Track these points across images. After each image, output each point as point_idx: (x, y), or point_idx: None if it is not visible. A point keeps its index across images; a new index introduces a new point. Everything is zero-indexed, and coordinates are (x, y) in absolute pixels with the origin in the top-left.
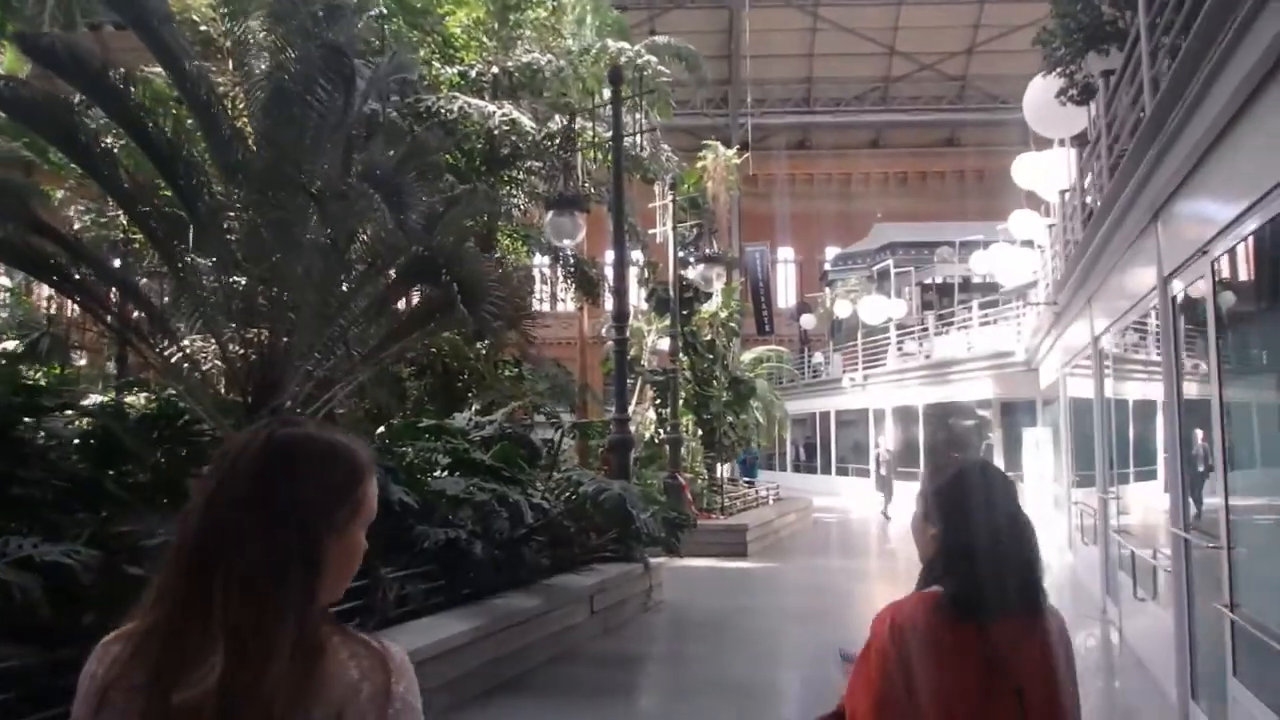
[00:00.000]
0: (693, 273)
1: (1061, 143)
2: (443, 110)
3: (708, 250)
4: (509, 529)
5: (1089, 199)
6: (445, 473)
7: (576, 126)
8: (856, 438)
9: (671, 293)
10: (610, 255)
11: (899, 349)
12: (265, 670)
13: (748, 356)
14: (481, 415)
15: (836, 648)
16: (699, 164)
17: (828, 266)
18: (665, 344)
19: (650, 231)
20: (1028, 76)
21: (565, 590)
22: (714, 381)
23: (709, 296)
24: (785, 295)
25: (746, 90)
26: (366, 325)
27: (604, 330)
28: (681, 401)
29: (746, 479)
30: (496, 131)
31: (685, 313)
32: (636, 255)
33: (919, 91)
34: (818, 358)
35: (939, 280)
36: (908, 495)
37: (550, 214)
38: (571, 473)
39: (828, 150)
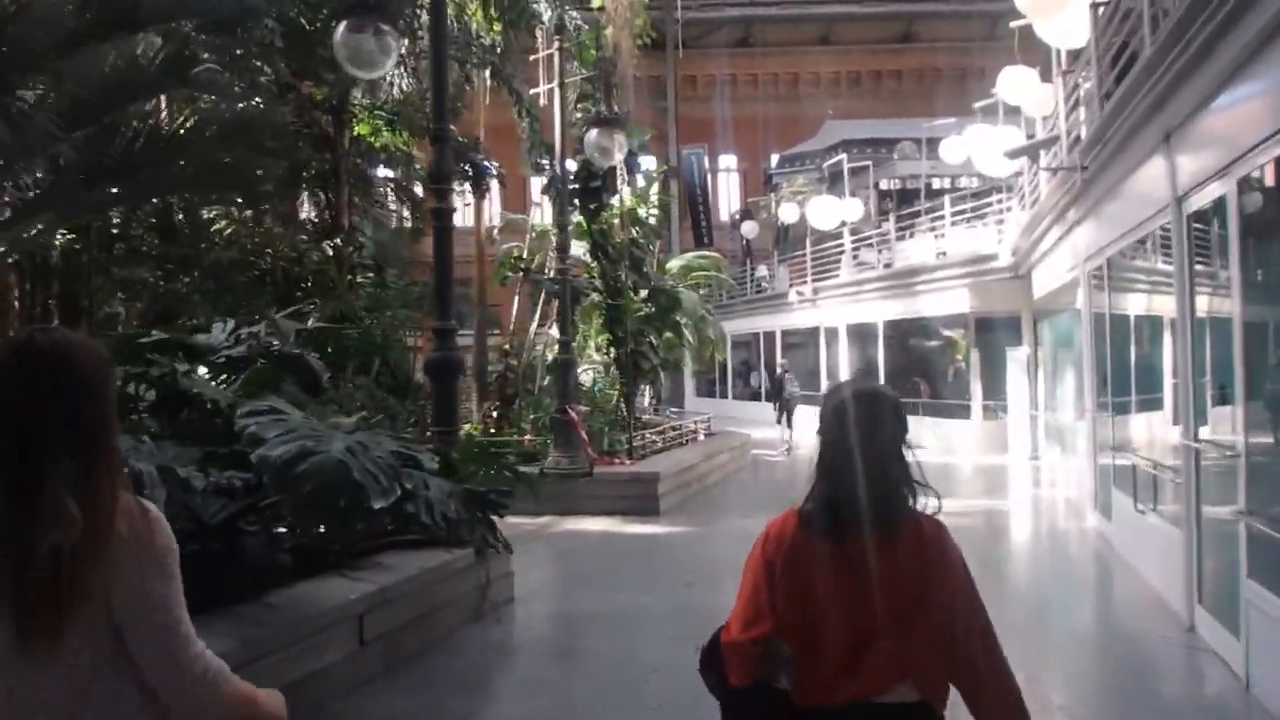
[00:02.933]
0: (587, 143)
1: None
2: None
3: (604, 111)
4: (207, 510)
5: None
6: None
7: None
8: (807, 360)
9: (559, 170)
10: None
11: (854, 258)
12: (105, 527)
13: (675, 264)
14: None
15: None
16: (595, 2)
17: (772, 169)
18: (577, 248)
19: (533, 92)
20: None
21: (307, 610)
22: (629, 292)
23: (611, 182)
24: (728, 208)
25: None
26: None
27: (495, 230)
28: (598, 321)
29: None
30: None
31: (593, 206)
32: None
33: None
34: (761, 271)
35: (899, 185)
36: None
37: (341, 28)
38: (252, 421)
39: (773, 48)
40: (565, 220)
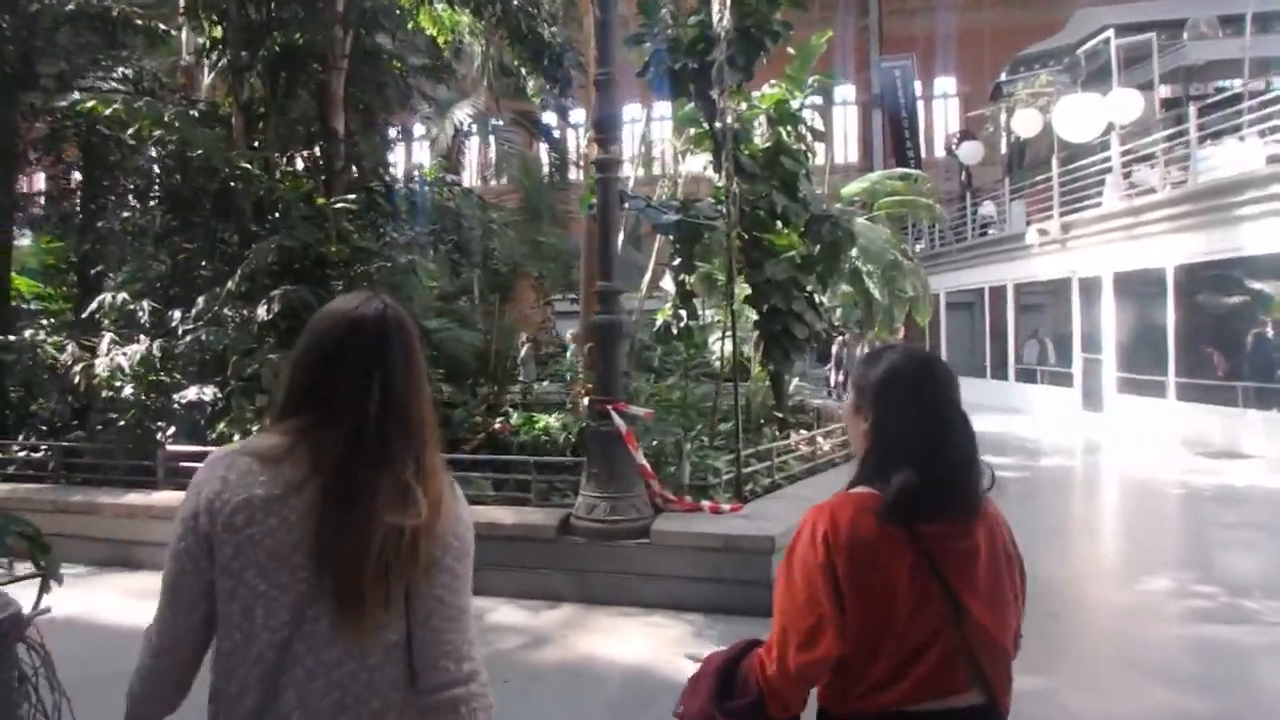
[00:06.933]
0: None
1: None
2: None
3: None
4: None
5: None
6: None
7: None
8: (1055, 323)
9: None
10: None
11: (1125, 179)
12: (438, 506)
13: (855, 187)
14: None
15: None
16: None
17: (1003, 78)
18: (701, 164)
19: None
20: None
21: None
22: (777, 221)
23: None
24: (943, 142)
25: None
26: None
27: (585, 139)
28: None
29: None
30: None
31: (713, 92)
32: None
33: None
34: (986, 208)
35: (1191, 84)
36: (1132, 411)
37: None
38: None
39: None
40: (608, 70)
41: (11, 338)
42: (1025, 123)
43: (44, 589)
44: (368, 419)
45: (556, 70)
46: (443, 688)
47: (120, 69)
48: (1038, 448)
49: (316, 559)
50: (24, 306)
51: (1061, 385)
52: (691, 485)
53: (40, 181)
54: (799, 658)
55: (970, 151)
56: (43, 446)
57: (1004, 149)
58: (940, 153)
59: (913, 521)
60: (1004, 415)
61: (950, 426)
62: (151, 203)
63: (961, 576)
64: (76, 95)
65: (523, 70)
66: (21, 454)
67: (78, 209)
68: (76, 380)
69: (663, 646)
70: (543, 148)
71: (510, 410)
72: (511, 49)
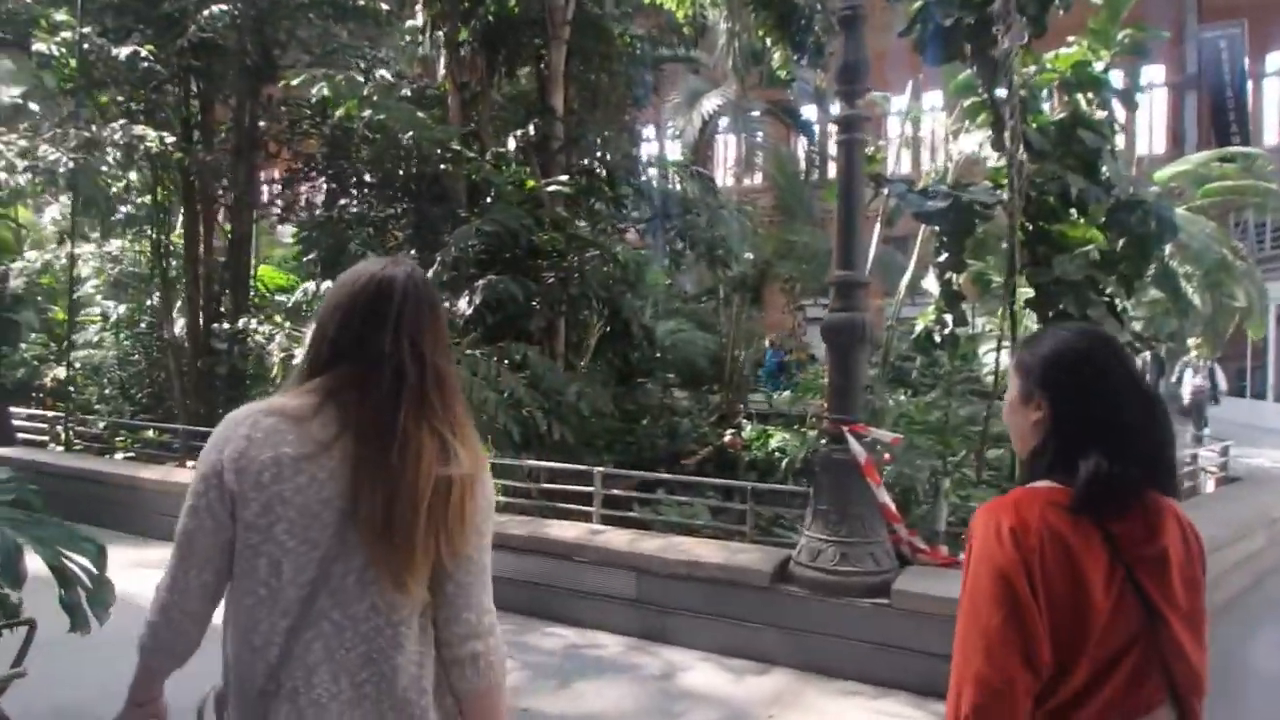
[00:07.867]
0: None
1: None
2: None
3: None
4: None
5: None
6: None
7: None
8: None
9: None
10: None
11: None
12: (482, 458)
13: (1171, 171)
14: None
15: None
16: None
17: None
18: (976, 141)
19: None
20: None
21: None
22: (1071, 209)
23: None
24: (1276, 124)
25: None
26: None
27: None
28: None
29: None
30: None
31: (993, 51)
32: None
33: None
34: None
35: None
36: None
37: None
38: None
39: None
40: (855, 5)
41: (225, 325)
42: None
43: (28, 642)
44: (406, 375)
45: (806, 38)
46: (464, 639)
47: (354, 59)
48: None
49: (349, 516)
50: (273, 297)
51: None
52: (949, 533)
53: (278, 172)
54: (1015, 671)
55: None
56: None
57: None
58: (1274, 139)
59: (1106, 515)
60: None
61: (1140, 408)
62: (368, 190)
63: (1157, 583)
64: (322, 91)
65: (767, 41)
66: None
67: (304, 198)
68: (274, 371)
69: None
70: (800, 141)
71: (744, 422)
72: (756, 16)
